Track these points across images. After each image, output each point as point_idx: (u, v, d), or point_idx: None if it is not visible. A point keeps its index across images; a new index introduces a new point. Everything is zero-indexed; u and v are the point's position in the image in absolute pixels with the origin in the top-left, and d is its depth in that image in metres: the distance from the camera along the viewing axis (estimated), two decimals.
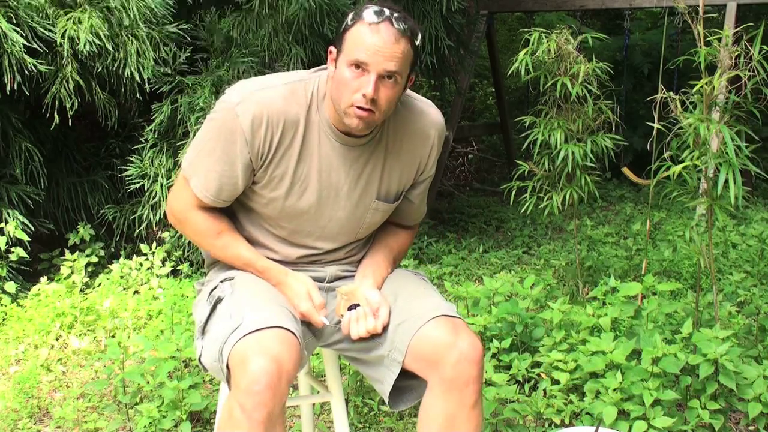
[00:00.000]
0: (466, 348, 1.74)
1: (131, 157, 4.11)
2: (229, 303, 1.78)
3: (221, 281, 1.88)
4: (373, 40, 1.69)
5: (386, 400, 1.86)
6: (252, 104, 1.75)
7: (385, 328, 1.84)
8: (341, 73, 1.73)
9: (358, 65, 1.70)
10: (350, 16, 1.74)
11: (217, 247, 1.88)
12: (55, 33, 3.65)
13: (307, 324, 1.88)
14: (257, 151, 1.78)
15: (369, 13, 1.70)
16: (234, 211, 1.93)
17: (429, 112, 1.91)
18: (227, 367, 1.66)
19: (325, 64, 1.87)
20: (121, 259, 4.20)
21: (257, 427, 1.57)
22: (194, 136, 3.84)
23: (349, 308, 1.83)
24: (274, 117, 1.76)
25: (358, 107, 1.72)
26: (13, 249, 3.81)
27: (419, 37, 1.76)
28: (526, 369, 2.85)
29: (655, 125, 2.88)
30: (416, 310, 1.82)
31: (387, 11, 1.70)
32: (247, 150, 1.77)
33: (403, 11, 1.74)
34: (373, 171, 1.87)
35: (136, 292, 3.96)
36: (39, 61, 3.59)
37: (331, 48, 1.78)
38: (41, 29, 3.63)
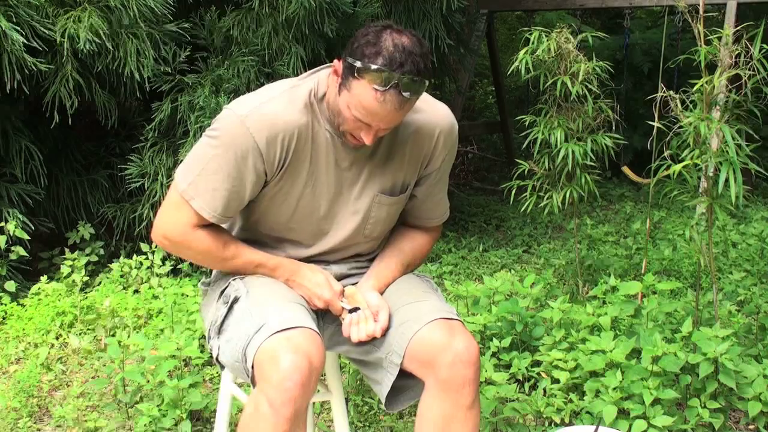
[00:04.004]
0: (461, 349, 1.74)
1: (131, 156, 4.11)
2: (247, 303, 1.78)
3: (232, 280, 1.88)
4: (377, 109, 1.66)
5: (383, 401, 1.87)
6: (263, 118, 1.73)
7: (384, 331, 1.84)
8: (343, 108, 1.71)
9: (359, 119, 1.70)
10: (358, 63, 1.65)
11: (226, 259, 1.85)
12: (55, 32, 3.64)
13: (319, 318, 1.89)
14: (273, 162, 1.76)
15: (377, 75, 1.63)
16: (240, 225, 1.92)
17: (436, 109, 1.89)
18: (252, 365, 1.66)
19: (323, 64, 1.87)
20: (121, 258, 4.20)
21: (284, 423, 1.58)
22: (194, 135, 3.85)
23: (350, 311, 1.84)
24: (288, 128, 1.75)
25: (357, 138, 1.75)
26: (13, 248, 3.81)
27: (431, 74, 1.70)
28: (526, 368, 2.85)
29: (655, 124, 2.88)
30: (414, 313, 1.82)
31: (396, 74, 1.62)
32: (262, 163, 1.74)
33: (416, 51, 1.65)
34: (377, 165, 1.86)
35: (136, 291, 3.96)
36: (39, 59, 3.59)
37: (337, 64, 1.72)
38: (41, 28, 3.63)
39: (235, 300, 1.81)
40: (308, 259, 1.92)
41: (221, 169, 1.75)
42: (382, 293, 1.90)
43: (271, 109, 1.74)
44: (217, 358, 1.83)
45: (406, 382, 1.86)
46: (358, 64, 1.65)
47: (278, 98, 1.76)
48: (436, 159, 1.92)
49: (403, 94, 1.64)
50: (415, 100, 1.70)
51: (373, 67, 1.63)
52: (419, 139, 1.87)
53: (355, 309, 1.84)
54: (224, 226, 1.91)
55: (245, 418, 1.63)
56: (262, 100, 1.76)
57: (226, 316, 1.81)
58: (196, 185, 1.77)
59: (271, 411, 1.58)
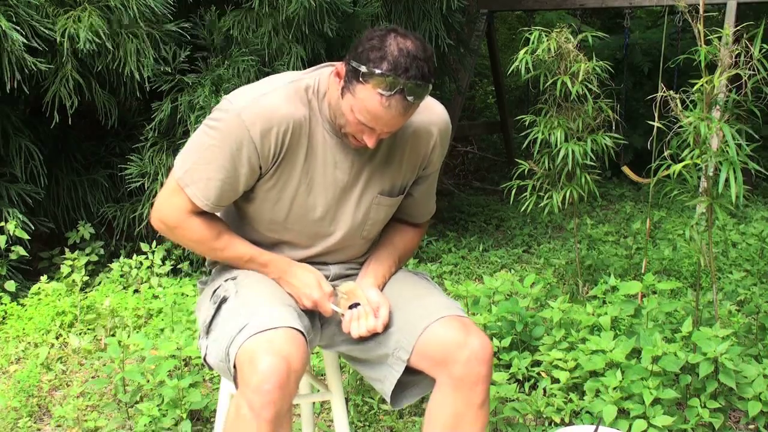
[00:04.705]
0: (477, 347, 1.76)
1: (131, 155, 4.11)
2: (234, 303, 1.78)
3: (225, 281, 1.88)
4: (382, 114, 1.66)
5: (388, 399, 1.87)
6: (259, 110, 1.73)
7: (386, 328, 1.84)
8: (346, 110, 1.71)
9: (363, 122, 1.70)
10: (363, 68, 1.64)
11: (218, 249, 1.86)
12: (55, 31, 3.64)
13: (309, 317, 1.88)
14: (267, 156, 1.76)
15: (382, 80, 1.63)
16: (239, 225, 1.92)
17: (433, 108, 1.90)
18: (234, 366, 1.66)
19: (324, 63, 1.87)
20: (121, 257, 4.20)
21: (265, 425, 1.57)
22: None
23: (350, 307, 1.83)
24: (283, 121, 1.75)
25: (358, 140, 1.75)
26: (13, 248, 3.81)
27: (431, 86, 1.70)
28: (526, 368, 2.85)
29: (656, 124, 2.87)
30: (422, 309, 1.83)
31: (402, 78, 1.62)
32: (256, 156, 1.75)
33: (420, 55, 1.65)
34: (376, 166, 1.87)
35: (136, 290, 3.96)
36: (39, 59, 3.59)
37: (340, 68, 1.72)
38: (41, 28, 3.63)
39: (224, 300, 1.81)
40: (305, 261, 1.92)
41: (216, 160, 1.76)
42: (381, 290, 1.91)
43: (267, 102, 1.75)
44: (204, 359, 1.82)
45: (411, 379, 1.87)
46: (363, 68, 1.65)
47: (276, 92, 1.77)
48: (435, 160, 1.94)
49: (408, 98, 1.65)
50: (419, 104, 1.71)
51: (378, 72, 1.63)
52: (418, 139, 1.88)
53: (355, 305, 1.83)
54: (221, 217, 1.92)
55: (228, 421, 1.63)
56: (261, 92, 1.76)
57: (214, 316, 1.81)
58: (192, 173, 1.79)
59: (252, 414, 1.57)
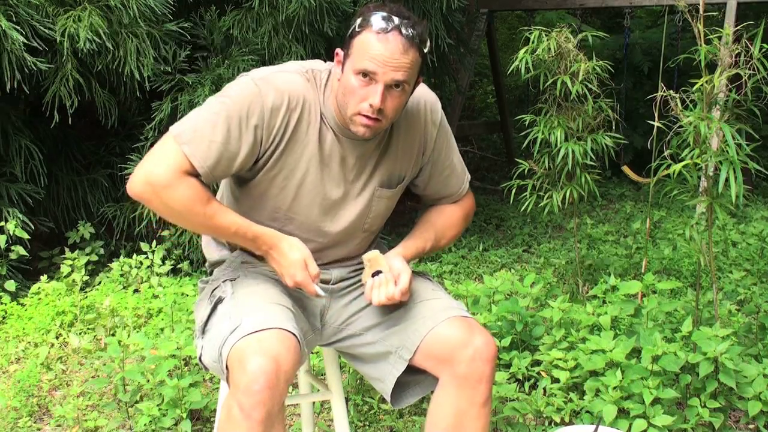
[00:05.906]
0: (481, 346, 1.77)
1: (131, 155, 4.11)
2: (229, 303, 1.78)
3: (223, 281, 1.87)
4: (382, 50, 1.68)
5: (388, 398, 1.87)
6: (275, 84, 1.75)
7: (390, 323, 1.84)
8: (348, 80, 1.72)
9: (365, 74, 1.70)
10: (358, 21, 1.72)
11: (207, 216, 1.74)
12: (55, 31, 3.64)
13: (310, 318, 1.88)
14: (270, 132, 1.76)
15: (377, 19, 1.69)
16: (242, 212, 1.92)
17: (417, 91, 1.89)
18: (226, 366, 1.66)
19: (327, 62, 1.88)
20: (121, 257, 4.20)
21: (256, 426, 1.57)
22: None
23: (373, 275, 1.84)
24: (294, 99, 1.77)
25: (365, 116, 1.72)
26: (13, 247, 3.81)
27: (428, 43, 1.75)
28: (526, 367, 2.85)
29: (656, 123, 2.87)
30: (427, 311, 1.84)
31: (396, 19, 1.69)
32: (262, 128, 1.75)
33: (412, 16, 1.72)
34: (377, 160, 1.88)
35: (136, 290, 3.96)
36: (39, 59, 3.59)
37: (338, 51, 1.77)
38: (41, 27, 3.63)
39: (220, 300, 1.81)
40: None
41: (224, 123, 1.72)
42: (408, 261, 1.90)
43: (283, 79, 1.77)
44: (200, 358, 1.82)
45: (412, 378, 1.87)
46: (357, 22, 1.71)
47: (293, 73, 1.80)
48: (429, 141, 1.93)
49: (404, 33, 1.68)
50: (416, 53, 1.71)
51: (373, 17, 1.69)
52: (410, 119, 1.89)
53: (378, 272, 1.84)
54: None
55: (220, 422, 1.63)
56: (278, 70, 1.80)
57: (210, 316, 1.81)
58: (194, 132, 1.72)
59: (242, 415, 1.57)
